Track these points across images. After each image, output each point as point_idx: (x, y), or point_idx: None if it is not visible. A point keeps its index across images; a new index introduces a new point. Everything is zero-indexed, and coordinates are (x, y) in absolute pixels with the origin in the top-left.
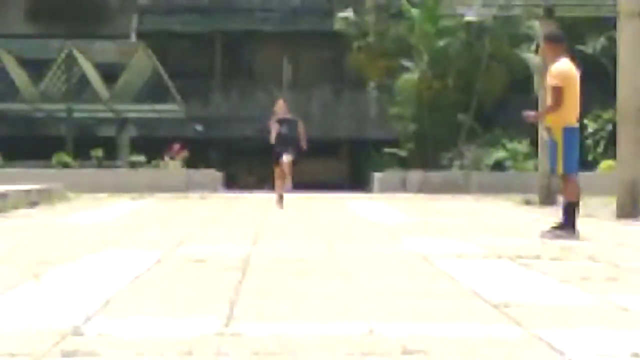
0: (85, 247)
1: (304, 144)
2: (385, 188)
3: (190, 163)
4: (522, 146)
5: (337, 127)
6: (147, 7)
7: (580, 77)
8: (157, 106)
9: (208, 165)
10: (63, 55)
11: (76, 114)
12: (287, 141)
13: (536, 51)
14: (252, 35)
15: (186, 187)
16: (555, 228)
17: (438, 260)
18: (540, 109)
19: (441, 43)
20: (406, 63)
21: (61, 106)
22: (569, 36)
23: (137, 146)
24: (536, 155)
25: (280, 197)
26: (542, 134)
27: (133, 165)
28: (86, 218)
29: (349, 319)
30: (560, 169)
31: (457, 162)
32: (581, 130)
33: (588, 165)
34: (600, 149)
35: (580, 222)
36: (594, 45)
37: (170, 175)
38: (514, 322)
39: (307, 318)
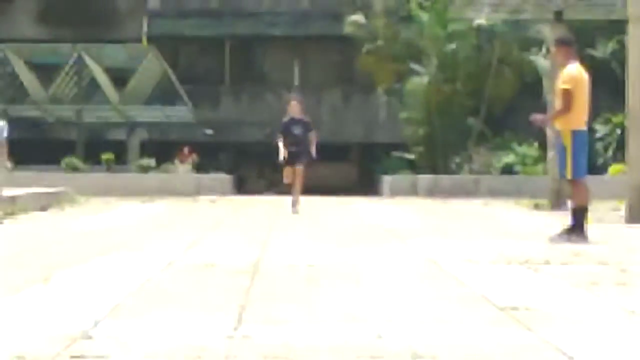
0: (95, 251)
1: (314, 153)
2: (395, 192)
3: (200, 167)
4: (532, 150)
5: (347, 130)
6: (157, 11)
7: (590, 81)
8: (167, 110)
9: (218, 169)
10: (73, 59)
11: (86, 118)
12: (298, 143)
13: (546, 55)
14: (262, 39)
15: (196, 191)
16: (564, 232)
17: (447, 264)
18: (549, 113)
19: (451, 47)
20: (416, 67)
21: (71, 110)
22: (579, 40)
23: (147, 150)
24: (545, 159)
25: (295, 202)
26: (550, 137)
27: (143, 169)
28: (96, 221)
29: (358, 324)
30: (569, 173)
31: (466, 166)
32: (590, 134)
33: (597, 169)
34: (609, 153)
35: (590, 227)
36: (603, 49)
37: (180, 179)
38: (523, 327)
39: (316, 322)
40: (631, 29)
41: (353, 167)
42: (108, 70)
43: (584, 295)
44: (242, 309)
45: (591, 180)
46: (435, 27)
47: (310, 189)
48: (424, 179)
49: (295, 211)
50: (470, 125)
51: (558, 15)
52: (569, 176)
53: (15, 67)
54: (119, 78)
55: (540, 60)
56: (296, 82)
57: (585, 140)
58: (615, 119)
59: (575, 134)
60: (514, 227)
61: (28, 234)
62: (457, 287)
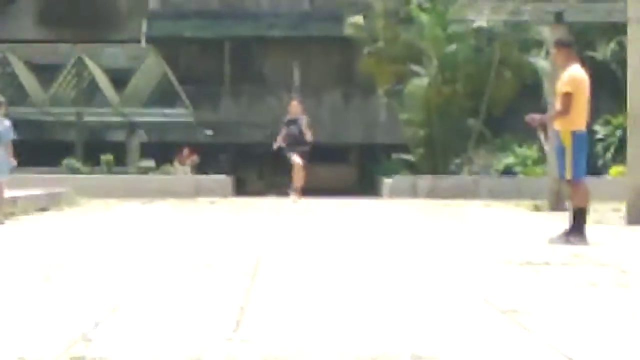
0: (94, 252)
1: (308, 137)
2: (395, 193)
3: (199, 168)
4: (532, 151)
5: (347, 132)
6: (157, 12)
7: (590, 82)
8: (166, 111)
9: (218, 171)
10: (73, 60)
11: (86, 119)
12: (296, 141)
13: (546, 57)
14: (262, 40)
15: (196, 192)
16: (564, 234)
17: (446, 266)
18: (547, 113)
19: (451, 48)
20: (416, 68)
21: (71, 111)
22: (579, 41)
23: (146, 151)
24: (545, 160)
25: (297, 190)
26: (543, 140)
27: (143, 170)
28: (96, 223)
29: (358, 326)
30: (568, 174)
31: (466, 167)
32: (590, 136)
33: (598, 170)
34: (609, 155)
35: (590, 228)
36: (603, 50)
37: (180, 180)
38: (523, 329)
39: (316, 324)
40: (631, 30)
41: (353, 169)
42: (108, 72)
43: (584, 297)
44: (242, 310)
45: (591, 181)
46: (435, 28)
47: (309, 190)
48: (424, 180)
49: (294, 200)
50: (470, 127)
51: (558, 17)
52: (568, 177)
53: (14, 68)
54: (119, 79)
55: (541, 62)
56: (296, 84)
57: (585, 141)
58: (615, 121)
59: (575, 134)
60: (514, 228)
61: (28, 235)
62: (457, 288)
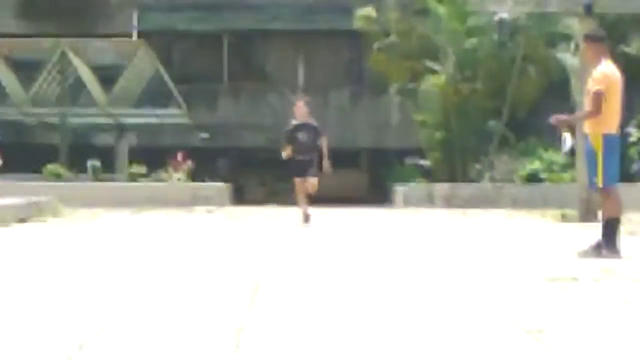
0: (79, 267)
1: (326, 165)
2: (409, 202)
3: (195, 175)
4: (559, 156)
5: (356, 134)
6: (148, 3)
7: (623, 80)
8: (159, 112)
9: (215, 177)
10: (56, 55)
11: (71, 120)
12: (306, 151)
13: (575, 52)
14: (264, 34)
15: (191, 201)
16: (595, 246)
17: (467, 282)
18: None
19: (470, 43)
20: (432, 65)
21: (54, 112)
22: (611, 35)
23: (137, 156)
24: (574, 166)
25: (307, 217)
26: (565, 137)
27: (133, 177)
28: (81, 234)
29: (363, 349)
30: (599, 181)
31: (487, 174)
32: (623, 139)
33: (631, 177)
34: None
35: (623, 240)
36: (638, 45)
37: (173, 188)
38: (549, 350)
39: (317, 344)
40: None
41: (363, 175)
42: (95, 69)
43: (616, 316)
44: (241, 330)
45: (624, 189)
46: (453, 21)
47: (316, 199)
48: (441, 187)
49: (305, 225)
50: (492, 129)
51: (588, 9)
52: (599, 184)
53: None
54: (107, 77)
55: (568, 58)
56: (300, 82)
57: (617, 145)
58: None
59: (606, 138)
60: (540, 240)
61: (6, 248)
62: (478, 306)
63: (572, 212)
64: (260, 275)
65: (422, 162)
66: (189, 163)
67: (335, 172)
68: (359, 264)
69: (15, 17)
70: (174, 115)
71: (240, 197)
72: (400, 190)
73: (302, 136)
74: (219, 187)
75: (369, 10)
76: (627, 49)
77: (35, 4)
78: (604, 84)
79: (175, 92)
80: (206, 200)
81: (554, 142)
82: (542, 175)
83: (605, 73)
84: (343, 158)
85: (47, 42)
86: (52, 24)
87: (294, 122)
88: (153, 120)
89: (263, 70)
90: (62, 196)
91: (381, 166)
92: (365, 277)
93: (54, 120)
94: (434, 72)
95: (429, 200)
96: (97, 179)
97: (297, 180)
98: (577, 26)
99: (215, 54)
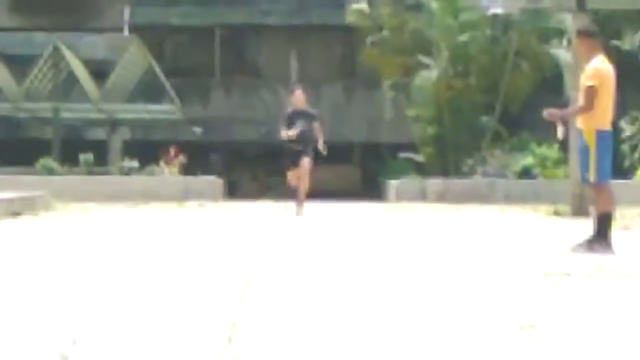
0: (71, 261)
1: (322, 147)
2: (402, 197)
3: (188, 169)
4: (552, 151)
5: (349, 129)
6: None
7: (616, 75)
8: (151, 107)
9: (207, 172)
10: (48, 50)
11: (63, 115)
12: (303, 141)
13: (568, 47)
14: (256, 29)
15: (184, 196)
16: (587, 242)
17: (459, 277)
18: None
19: (463, 38)
20: (425, 60)
21: (46, 106)
22: (604, 31)
23: (129, 150)
24: (567, 161)
25: (300, 204)
26: (559, 132)
27: (125, 171)
28: (74, 229)
29: (357, 345)
30: (592, 176)
31: (480, 169)
32: (616, 134)
33: (624, 172)
34: (637, 155)
35: (616, 236)
36: (630, 40)
37: (166, 182)
38: (541, 346)
39: (311, 342)
40: None
41: (355, 170)
42: (87, 63)
43: (609, 312)
44: (234, 325)
45: (616, 185)
46: (446, 16)
47: (308, 194)
48: (434, 183)
49: (299, 213)
50: (485, 124)
51: (581, 4)
52: (592, 180)
53: None
54: (99, 71)
55: (562, 53)
56: (293, 76)
57: (610, 141)
58: None
59: (599, 134)
60: (533, 235)
61: (2, 242)
62: (470, 301)
63: (565, 208)
64: (252, 270)
65: (413, 155)
66: (182, 157)
67: (328, 167)
68: (350, 259)
69: (8, 12)
70: (166, 110)
71: (232, 192)
72: (392, 184)
73: (299, 124)
74: (211, 181)
75: (362, 5)
76: (619, 44)
77: None
78: (596, 80)
79: (168, 87)
80: (198, 195)
81: (547, 137)
82: (535, 171)
83: (598, 68)
84: (336, 153)
85: (39, 37)
86: (44, 18)
87: (291, 109)
88: (145, 115)
89: (256, 64)
90: (54, 191)
91: (374, 161)
92: (356, 273)
93: (47, 114)
94: (426, 67)
95: (422, 195)
96: (89, 173)
97: (291, 172)
98: (570, 21)
99: (208, 49)
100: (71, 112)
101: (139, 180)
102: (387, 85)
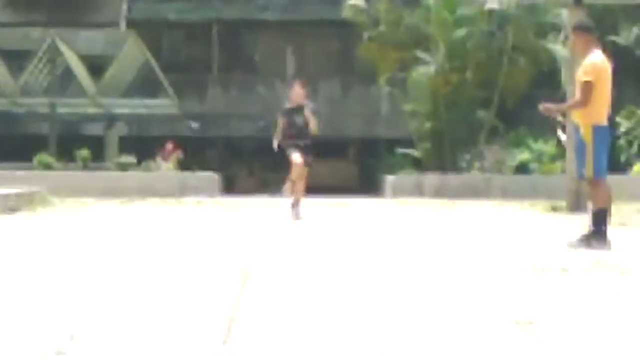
0: (69, 257)
1: (313, 125)
2: (399, 192)
3: (184, 164)
4: (549, 147)
5: (346, 125)
6: None
7: (612, 70)
8: (148, 102)
9: (204, 167)
10: (45, 45)
11: (60, 110)
12: (302, 136)
13: (564, 42)
14: (253, 24)
15: (180, 191)
16: (584, 237)
17: (456, 272)
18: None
19: (460, 33)
20: (421, 55)
21: (43, 102)
22: (600, 26)
23: (126, 146)
24: (564, 156)
25: (296, 202)
26: (560, 132)
27: (122, 166)
28: (71, 225)
29: (355, 342)
30: (589, 172)
31: (477, 164)
32: (612, 129)
33: (621, 167)
34: (634, 150)
35: (612, 231)
36: (627, 35)
37: (162, 178)
38: (538, 341)
39: (307, 338)
40: None
41: (352, 165)
42: (84, 58)
43: (605, 307)
44: (231, 321)
45: (613, 180)
46: (442, 11)
47: (305, 189)
48: (431, 178)
49: (296, 215)
50: (481, 119)
51: None
52: (588, 175)
53: None
54: (96, 66)
55: (558, 48)
56: (290, 72)
57: (607, 136)
58: None
59: (596, 129)
60: (529, 231)
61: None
62: (466, 297)
63: (562, 203)
64: (249, 265)
65: (410, 151)
66: (179, 153)
67: (324, 162)
68: (347, 255)
69: (4, 7)
70: (163, 105)
71: (229, 187)
72: (389, 180)
73: (299, 120)
74: (208, 176)
75: (359, 0)
76: (616, 39)
77: None
78: (593, 74)
79: (165, 82)
80: (195, 190)
81: (544, 132)
82: (532, 166)
83: (595, 63)
84: (332, 148)
85: (36, 32)
86: (41, 13)
87: (289, 105)
88: (142, 110)
89: (252, 60)
90: (51, 186)
91: (370, 156)
92: (353, 269)
93: (43, 110)
94: (423, 62)
95: (418, 191)
96: (86, 168)
97: (297, 162)
98: (566, 16)
99: (205, 44)
100: (68, 107)
101: (135, 176)
102: (384, 80)
